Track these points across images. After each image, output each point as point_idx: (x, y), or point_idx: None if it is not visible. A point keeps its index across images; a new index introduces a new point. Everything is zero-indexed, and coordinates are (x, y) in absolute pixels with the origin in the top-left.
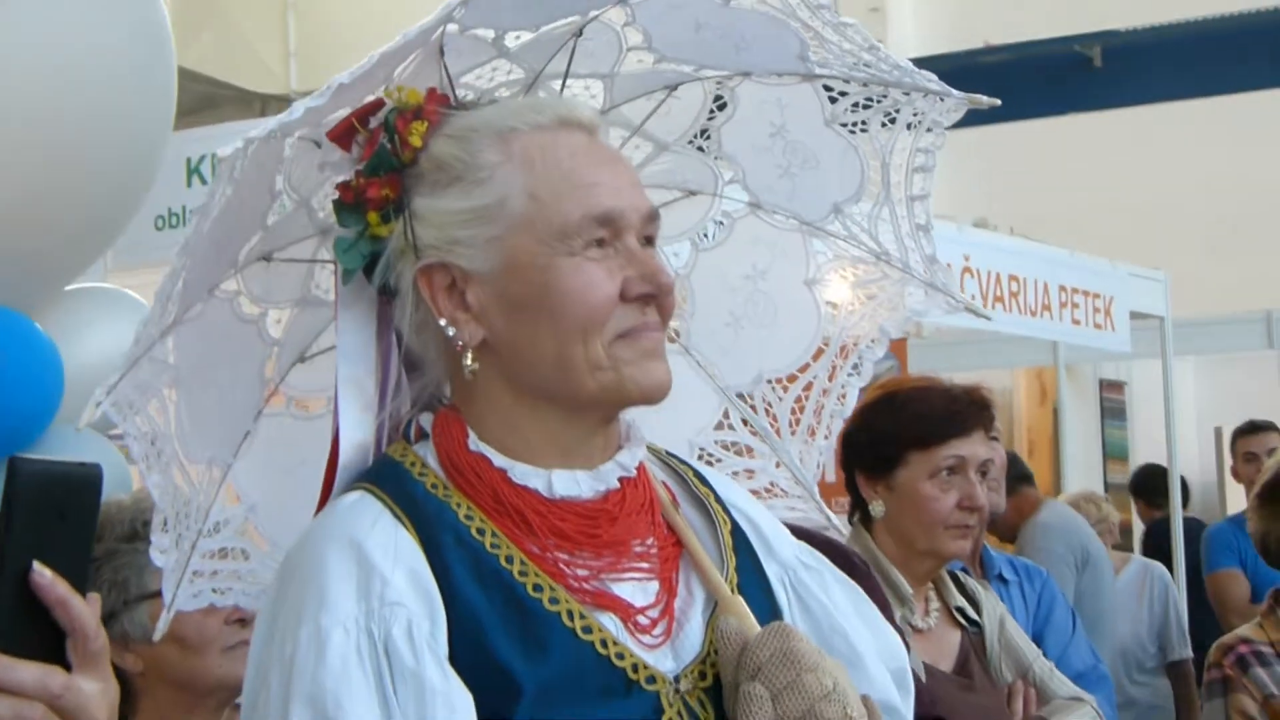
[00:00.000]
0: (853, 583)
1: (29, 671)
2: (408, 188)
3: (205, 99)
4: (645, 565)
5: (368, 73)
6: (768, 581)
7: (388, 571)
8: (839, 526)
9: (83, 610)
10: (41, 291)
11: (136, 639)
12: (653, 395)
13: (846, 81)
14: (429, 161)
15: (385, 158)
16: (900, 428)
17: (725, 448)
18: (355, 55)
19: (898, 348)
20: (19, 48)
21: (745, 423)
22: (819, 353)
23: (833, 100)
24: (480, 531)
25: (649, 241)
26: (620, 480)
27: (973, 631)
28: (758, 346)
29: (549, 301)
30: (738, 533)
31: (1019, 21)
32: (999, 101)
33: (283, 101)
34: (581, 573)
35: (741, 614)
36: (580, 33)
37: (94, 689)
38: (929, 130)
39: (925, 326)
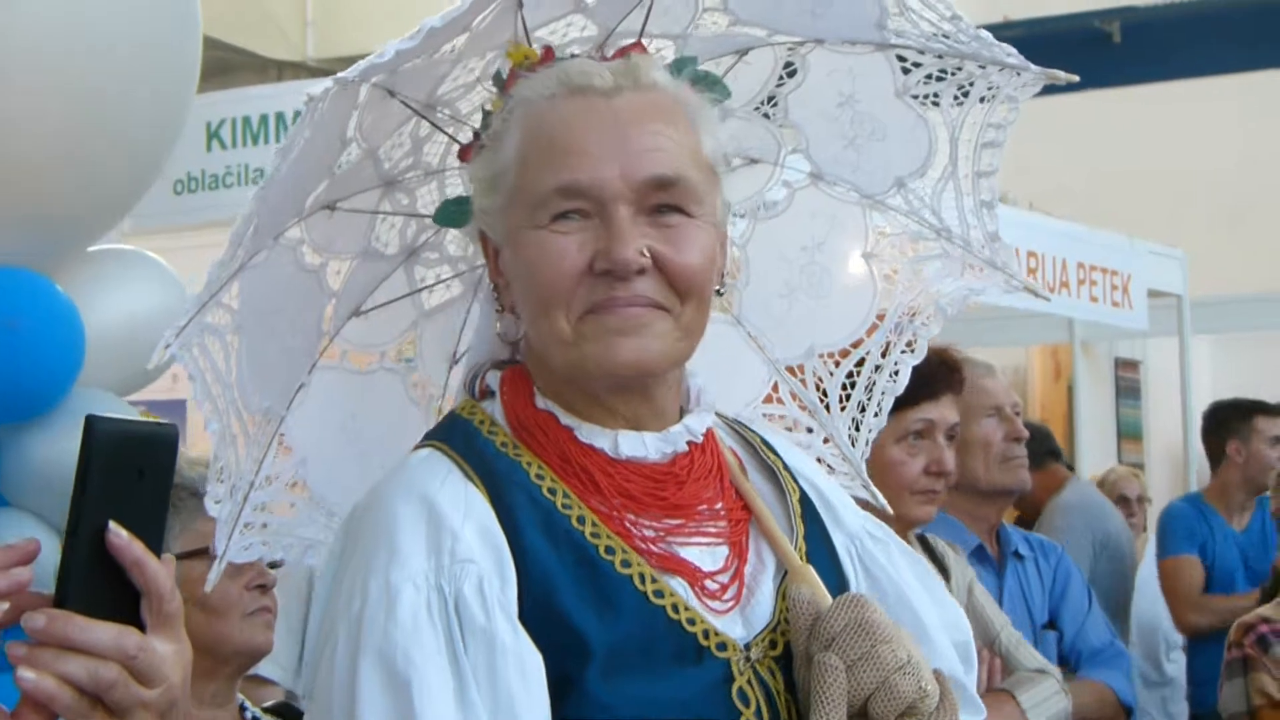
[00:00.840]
0: (917, 554)
1: (105, 632)
2: (482, 143)
3: (222, 64)
4: (714, 530)
5: (455, 19)
6: (835, 551)
7: (459, 528)
8: (885, 505)
9: (159, 571)
10: (63, 253)
11: None
12: (617, 373)
13: (922, 53)
14: (498, 118)
15: (486, 121)
16: None
17: (773, 420)
18: (371, 24)
19: None
20: (45, 10)
21: (794, 396)
22: (873, 328)
23: (905, 71)
24: (551, 491)
25: (661, 210)
26: (689, 444)
27: None
28: (811, 319)
29: (522, 274)
30: (806, 501)
31: None
32: (1077, 77)
33: (299, 68)
34: (649, 534)
35: (813, 583)
36: None
37: (168, 650)
38: (1004, 104)
39: None
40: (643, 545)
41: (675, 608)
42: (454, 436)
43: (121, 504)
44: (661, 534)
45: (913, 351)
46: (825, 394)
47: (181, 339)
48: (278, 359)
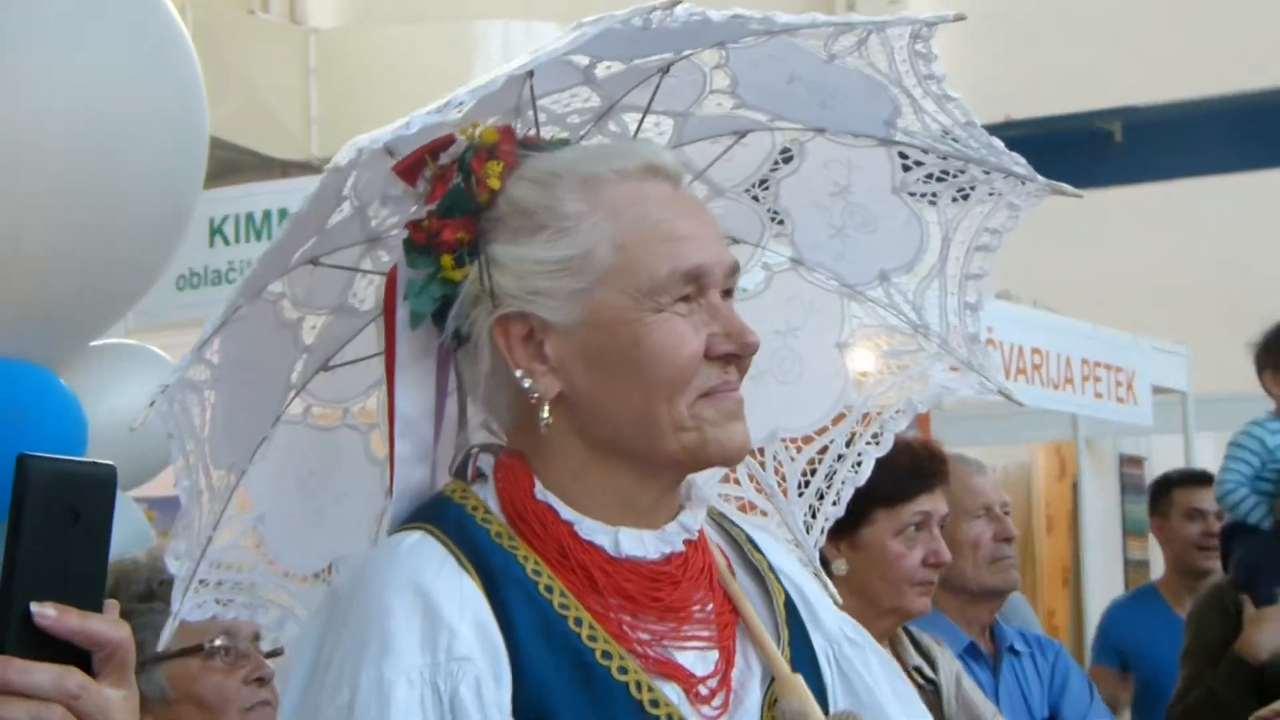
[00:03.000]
0: (890, 658)
1: (44, 674)
2: (484, 231)
3: (228, 164)
4: (705, 633)
5: (485, 96)
6: (815, 655)
7: (455, 623)
8: (835, 595)
9: (101, 629)
10: (66, 347)
11: (154, 699)
12: (734, 457)
13: (925, 152)
14: (508, 205)
15: (461, 198)
16: (868, 485)
17: (728, 500)
18: (376, 120)
19: (920, 419)
20: (59, 104)
21: (752, 478)
22: (839, 418)
23: (905, 169)
24: (549, 589)
25: (728, 294)
26: (685, 543)
27: (929, 690)
28: (778, 403)
29: (635, 357)
30: (789, 604)
31: (1040, 96)
32: (1082, 194)
33: (303, 167)
34: (644, 637)
35: (802, 694)
36: (668, 70)
37: (116, 694)
38: (1004, 210)
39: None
40: (639, 649)
41: (670, 717)
42: (445, 521)
43: (57, 547)
44: (657, 637)
45: (878, 444)
46: (784, 479)
47: (167, 395)
48: (247, 413)
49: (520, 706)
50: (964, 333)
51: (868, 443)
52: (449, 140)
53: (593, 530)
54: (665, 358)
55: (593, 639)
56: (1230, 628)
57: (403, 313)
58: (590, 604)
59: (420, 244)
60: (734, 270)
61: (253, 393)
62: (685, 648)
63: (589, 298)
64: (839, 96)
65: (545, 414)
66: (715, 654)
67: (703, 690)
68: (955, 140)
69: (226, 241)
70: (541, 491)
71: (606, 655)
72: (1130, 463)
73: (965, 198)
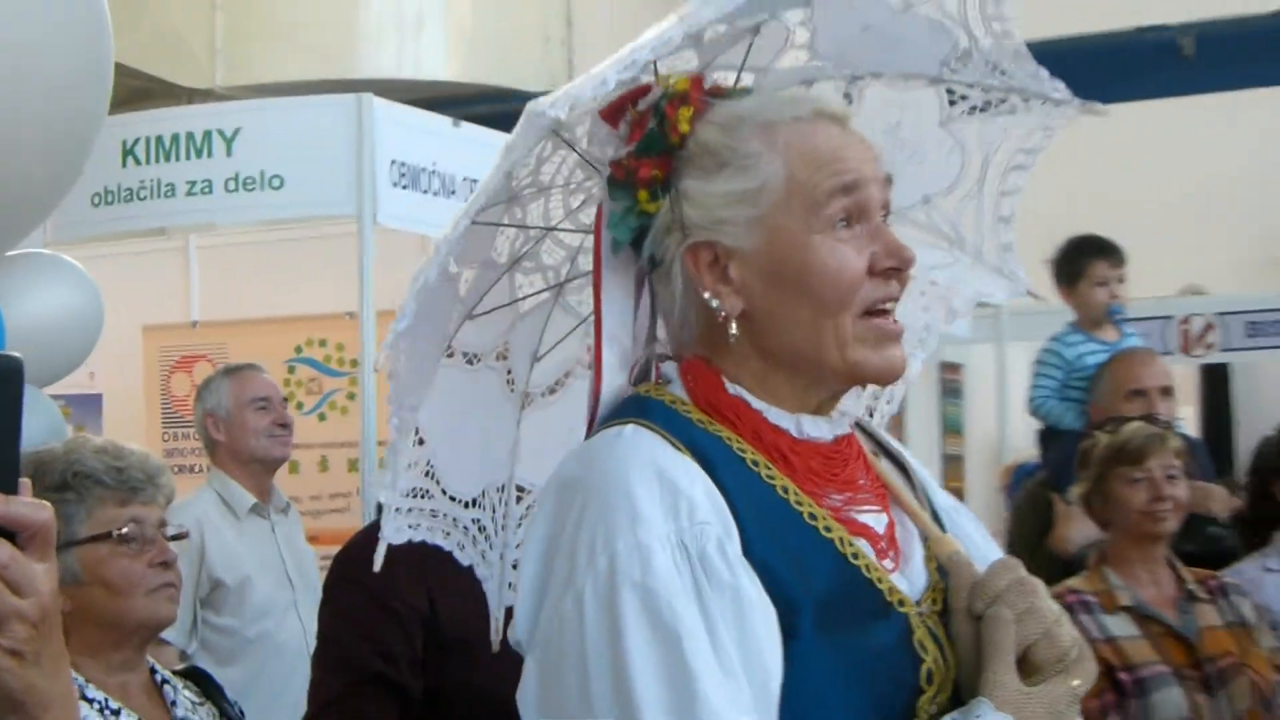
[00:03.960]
0: (977, 520)
1: None
2: (676, 169)
3: (140, 91)
4: (873, 503)
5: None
6: (941, 520)
7: (690, 492)
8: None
9: (25, 512)
10: None
11: (66, 582)
12: (888, 379)
13: (971, 86)
14: (696, 146)
15: (655, 140)
16: None
17: None
18: (278, 51)
19: None
20: None
21: None
22: None
23: (952, 103)
24: (755, 463)
25: (886, 213)
26: (851, 428)
27: None
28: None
29: (805, 277)
30: (924, 490)
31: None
32: (1108, 111)
33: (207, 95)
34: (836, 503)
35: (959, 547)
36: (758, 30)
37: (39, 567)
38: (1041, 131)
39: None
40: (836, 513)
41: (867, 568)
42: (652, 414)
43: None
44: (843, 503)
45: (922, 346)
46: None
47: (392, 343)
48: (421, 359)
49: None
50: (998, 243)
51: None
52: (646, 89)
53: (779, 416)
54: (830, 277)
55: (799, 503)
56: (1043, 523)
57: (606, 240)
58: (789, 475)
59: (620, 180)
60: (887, 183)
61: (427, 341)
62: (865, 511)
63: (765, 224)
64: (904, 42)
65: (733, 329)
66: (885, 517)
67: (883, 545)
68: (1003, 73)
69: (138, 162)
70: (732, 387)
71: (812, 516)
72: (949, 369)
73: (1006, 115)
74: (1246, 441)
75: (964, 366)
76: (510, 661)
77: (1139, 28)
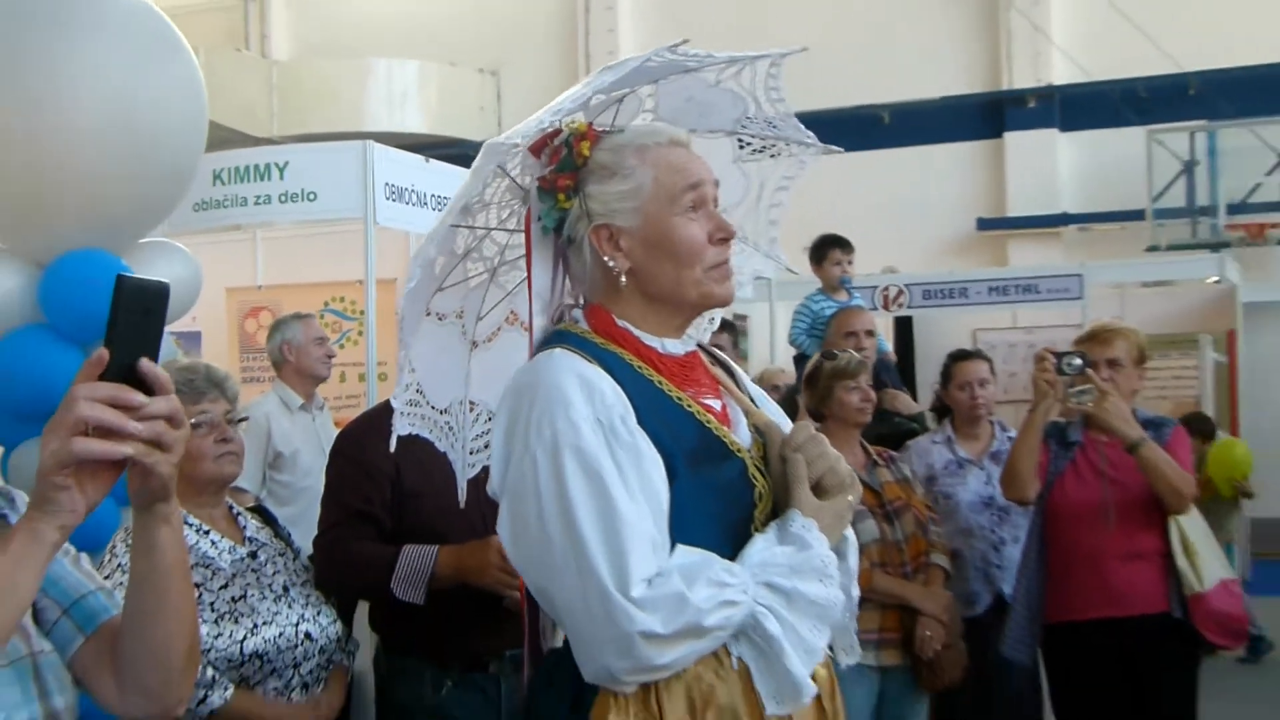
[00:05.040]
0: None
1: (164, 401)
2: (581, 179)
3: (223, 139)
4: (713, 392)
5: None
6: (756, 405)
7: (600, 387)
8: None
9: (168, 380)
10: (125, 243)
11: None
12: (727, 303)
13: (754, 136)
14: (594, 164)
15: (567, 162)
16: None
17: None
18: (313, 113)
19: None
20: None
21: None
22: None
23: (741, 146)
24: (641, 368)
25: (718, 201)
26: (697, 345)
27: None
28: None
29: (670, 244)
30: (743, 388)
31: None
32: (843, 149)
33: (267, 140)
34: (690, 393)
35: (770, 418)
36: (622, 99)
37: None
38: (797, 165)
39: None
40: (693, 398)
41: (715, 429)
42: (569, 341)
43: (138, 330)
44: (694, 393)
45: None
46: None
47: (408, 300)
48: (412, 316)
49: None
50: (768, 238)
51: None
52: (557, 132)
53: (651, 339)
54: (685, 244)
55: (669, 392)
56: (792, 415)
57: (536, 229)
58: (663, 376)
59: (545, 189)
60: (716, 184)
61: (416, 304)
62: (707, 398)
63: (642, 211)
64: (714, 107)
65: (624, 280)
66: (719, 402)
67: (720, 417)
68: (775, 127)
69: (223, 183)
70: (620, 321)
71: (679, 400)
72: (739, 318)
73: (773, 158)
74: (922, 366)
75: (749, 317)
76: (448, 510)
77: (858, 105)
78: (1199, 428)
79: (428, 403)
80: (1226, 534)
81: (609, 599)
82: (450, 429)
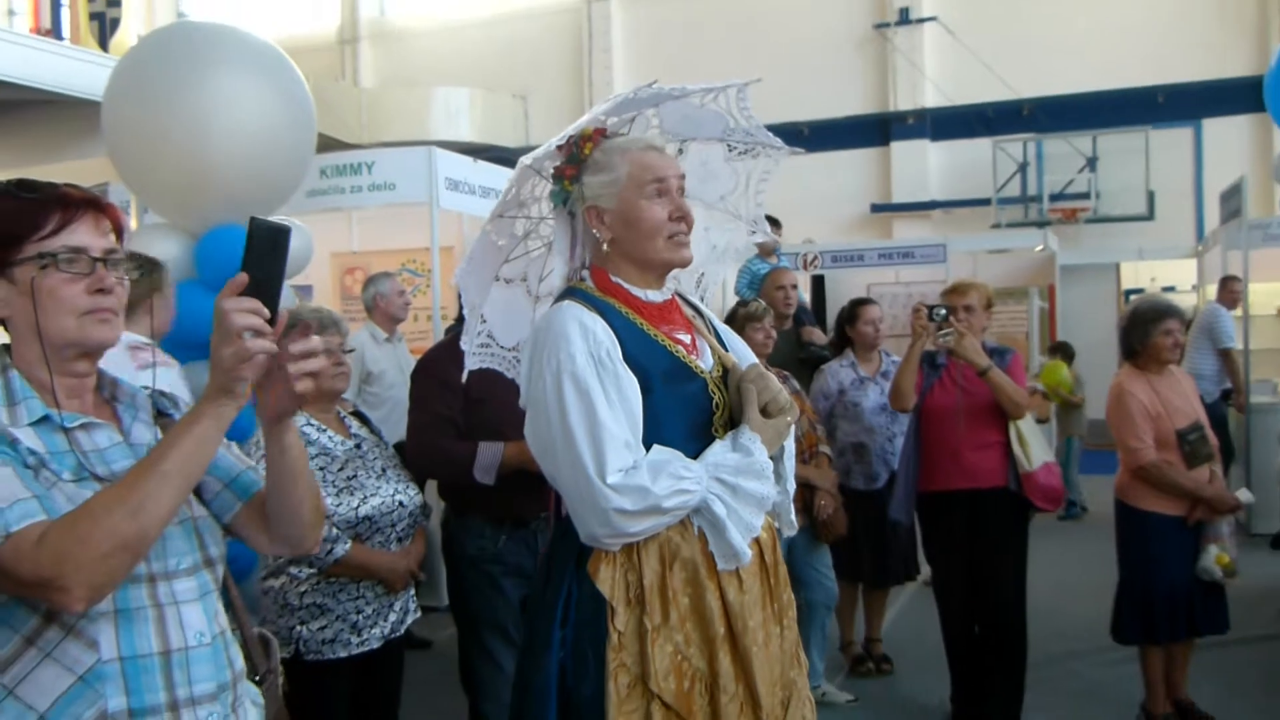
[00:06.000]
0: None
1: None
2: (581, 170)
3: (326, 144)
4: (686, 331)
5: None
6: (724, 342)
7: (593, 329)
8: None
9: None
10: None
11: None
12: (684, 264)
13: (738, 142)
14: (591, 160)
15: (574, 157)
16: None
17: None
18: (391, 124)
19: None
20: (245, 112)
21: None
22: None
23: (730, 149)
24: (628, 314)
25: (682, 191)
26: (673, 295)
27: None
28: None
29: (639, 221)
30: (713, 328)
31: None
32: (804, 151)
33: (358, 146)
34: (665, 330)
35: (733, 359)
36: (633, 119)
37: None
38: (772, 162)
39: None
40: (666, 334)
41: (683, 356)
42: (576, 295)
43: (266, 261)
44: (668, 330)
45: (721, 263)
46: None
47: (466, 270)
48: (481, 282)
49: (627, 359)
50: (755, 216)
51: (715, 263)
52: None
53: (635, 290)
54: (649, 220)
55: (649, 330)
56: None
57: (555, 203)
58: (645, 319)
59: (557, 175)
60: (682, 178)
61: (481, 274)
62: (679, 335)
63: (620, 197)
64: (703, 122)
65: (606, 248)
66: (689, 337)
67: (689, 348)
68: (751, 135)
69: (327, 176)
70: (613, 278)
71: (655, 336)
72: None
73: (755, 157)
74: (831, 312)
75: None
76: (506, 415)
77: (785, 121)
78: (1064, 351)
79: (498, 344)
80: (1073, 430)
81: (591, 483)
82: (517, 361)
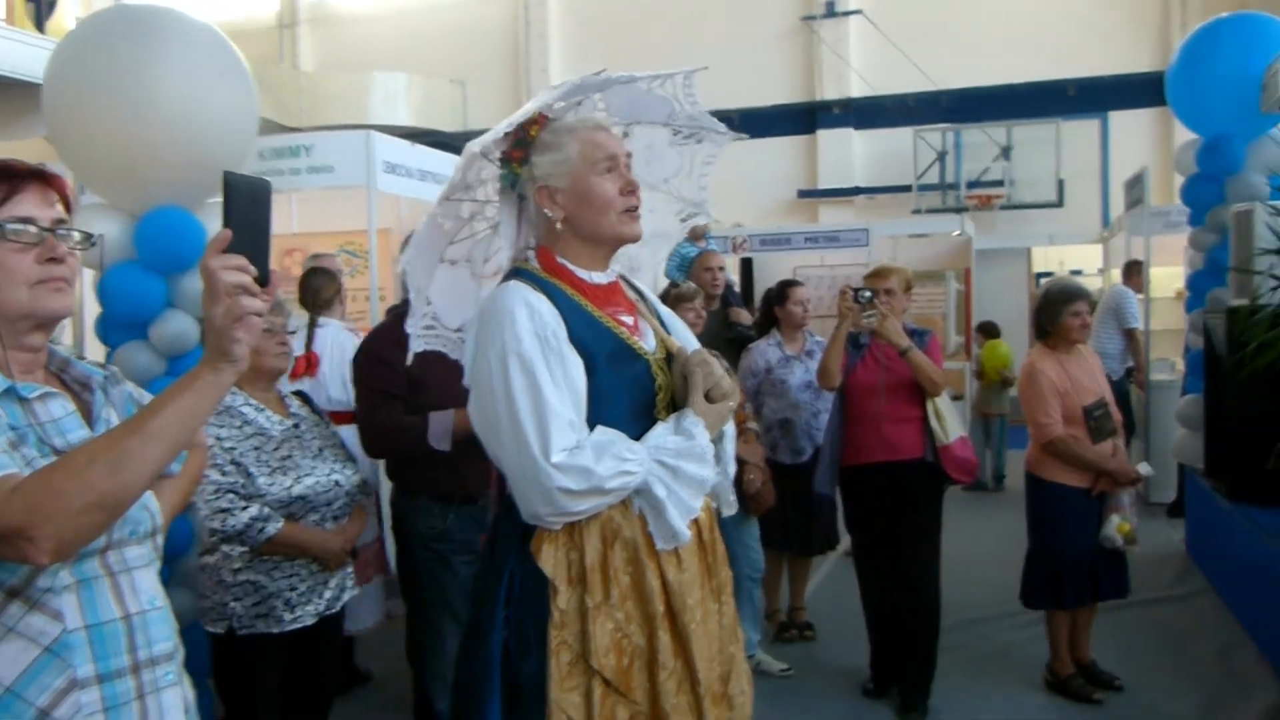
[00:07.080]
0: (682, 324)
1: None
2: (529, 152)
3: (266, 127)
4: (629, 313)
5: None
6: (666, 326)
7: (539, 309)
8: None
9: (275, 280)
10: (197, 200)
11: None
12: (636, 238)
13: (683, 126)
14: (539, 141)
15: (521, 140)
16: None
17: None
18: (330, 108)
19: None
20: (184, 93)
21: None
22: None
23: (675, 133)
24: (573, 296)
25: (629, 169)
26: (617, 277)
27: None
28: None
29: (591, 197)
30: (655, 311)
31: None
32: (748, 136)
33: (297, 129)
34: (609, 312)
35: (675, 342)
36: (580, 102)
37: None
38: (715, 146)
39: None
40: (611, 315)
41: (626, 338)
42: (522, 275)
43: (247, 216)
44: (612, 313)
45: (667, 241)
46: None
47: (412, 246)
48: (427, 265)
49: (572, 340)
50: (698, 198)
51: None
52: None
53: (581, 271)
54: (600, 196)
55: (593, 311)
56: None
57: (504, 185)
58: (590, 300)
59: (505, 158)
60: (629, 155)
61: (429, 257)
62: (623, 316)
63: (571, 175)
64: (650, 106)
65: (559, 226)
66: (632, 319)
67: (631, 329)
68: (694, 120)
69: (266, 159)
70: (559, 258)
71: (600, 318)
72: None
73: (699, 142)
74: (759, 293)
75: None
76: (447, 394)
77: (718, 109)
78: (987, 330)
79: (443, 325)
80: (998, 408)
81: (535, 462)
82: (462, 342)
